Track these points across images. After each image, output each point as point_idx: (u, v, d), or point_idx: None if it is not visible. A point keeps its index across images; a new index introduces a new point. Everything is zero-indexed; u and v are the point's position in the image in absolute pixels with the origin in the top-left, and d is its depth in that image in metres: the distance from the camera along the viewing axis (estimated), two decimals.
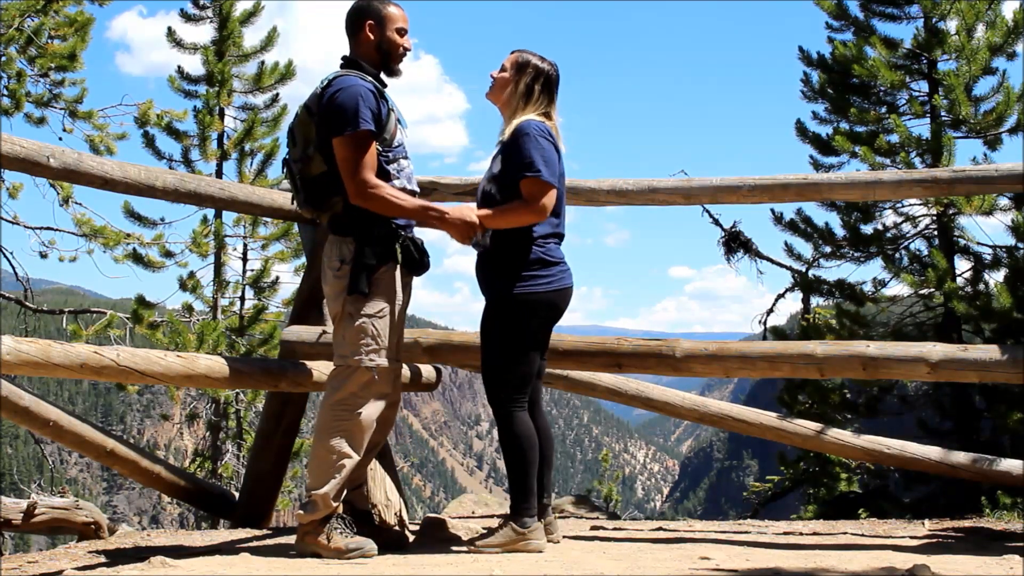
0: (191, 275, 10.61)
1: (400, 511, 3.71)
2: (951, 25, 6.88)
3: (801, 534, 4.08)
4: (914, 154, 6.71)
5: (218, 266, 10.69)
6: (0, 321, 11.23)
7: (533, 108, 3.37)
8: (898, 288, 7.05)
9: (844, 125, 7.22)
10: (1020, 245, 6.22)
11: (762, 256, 7.39)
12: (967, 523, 4.41)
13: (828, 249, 7.31)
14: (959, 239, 6.78)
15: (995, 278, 6.42)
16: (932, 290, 6.50)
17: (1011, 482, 4.89)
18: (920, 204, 6.87)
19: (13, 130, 8.81)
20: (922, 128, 6.85)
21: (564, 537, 3.63)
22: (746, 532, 4.11)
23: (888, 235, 7.09)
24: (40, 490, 5.90)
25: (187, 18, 11.12)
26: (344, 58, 3.40)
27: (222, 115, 10.86)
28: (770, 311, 8.00)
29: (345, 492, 3.28)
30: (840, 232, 7.19)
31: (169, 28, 10.97)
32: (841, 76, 7.19)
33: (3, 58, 9.35)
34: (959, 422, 6.52)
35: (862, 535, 4.02)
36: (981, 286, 6.50)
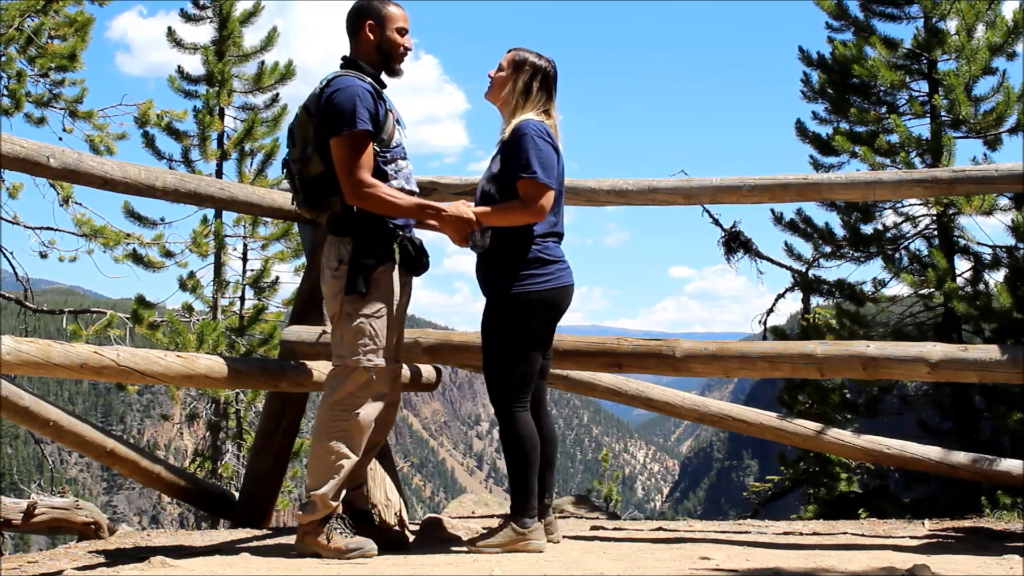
0: (191, 275, 10.61)
1: (400, 511, 3.71)
2: (951, 25, 6.88)
3: (801, 534, 4.08)
4: (914, 154, 6.71)
5: (218, 266, 10.69)
6: (0, 321, 11.23)
7: (532, 106, 3.37)
8: (898, 288, 7.06)
9: (844, 125, 7.22)
10: (1020, 245, 6.22)
11: (762, 256, 7.39)
12: (967, 523, 4.41)
13: (828, 249, 7.31)
14: (959, 239, 6.78)
15: (995, 278, 6.43)
16: (932, 290, 6.50)
17: (1011, 482, 4.90)
18: (920, 204, 6.87)
19: (13, 130, 8.81)
20: (922, 128, 6.86)
21: (564, 537, 3.63)
22: (746, 532, 4.11)
23: (888, 235, 7.09)
24: (40, 490, 5.90)
25: (187, 18, 11.12)
26: (343, 58, 3.40)
27: (222, 115, 10.86)
28: (770, 311, 8.00)
29: (345, 492, 3.28)
30: (840, 232, 7.20)
31: (169, 28, 10.98)
32: (841, 76, 7.20)
33: (3, 58, 9.35)
34: (959, 422, 6.52)
35: (862, 535, 4.02)
36: (981, 286, 6.50)
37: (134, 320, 10.27)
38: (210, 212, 10.37)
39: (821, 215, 7.81)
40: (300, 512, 3.25)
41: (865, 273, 22.58)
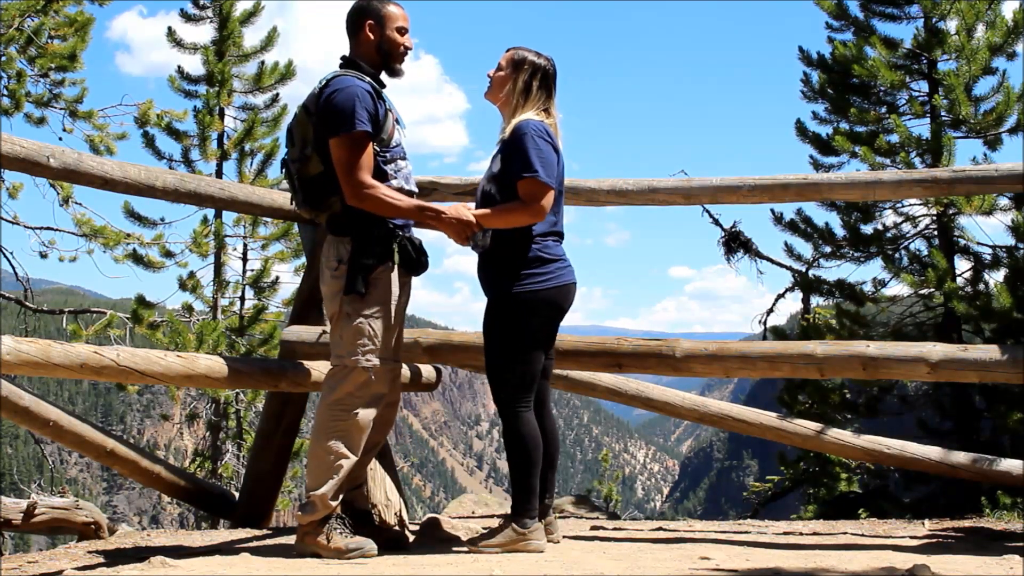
0: (191, 275, 10.61)
1: (400, 511, 3.71)
2: (951, 25, 6.88)
3: (801, 534, 4.08)
4: (914, 154, 6.71)
5: (218, 266, 10.69)
6: (0, 321, 11.23)
7: (532, 105, 3.36)
8: (898, 288, 7.06)
9: (844, 125, 7.22)
10: (1020, 245, 6.22)
11: (762, 256, 7.39)
12: (967, 523, 4.41)
13: (828, 249, 7.31)
14: (959, 239, 6.78)
15: (995, 278, 6.42)
16: (932, 290, 6.50)
17: (1011, 482, 4.90)
18: (920, 204, 6.87)
19: (13, 130, 8.81)
20: (922, 128, 6.86)
21: (564, 537, 3.63)
22: (746, 532, 4.11)
23: (888, 235, 7.09)
24: (40, 490, 5.90)
25: (187, 18, 11.12)
26: (343, 58, 3.40)
27: (222, 115, 10.86)
28: (770, 311, 8.00)
29: (345, 492, 3.28)
30: (840, 232, 7.20)
31: (169, 28, 10.98)
32: (841, 76, 7.19)
33: (3, 58, 9.35)
34: (959, 422, 6.52)
35: (862, 535, 4.02)
36: (981, 286, 6.50)
37: (134, 320, 10.27)
38: (210, 212, 10.37)
39: (821, 215, 7.83)
40: (300, 512, 3.25)
41: (865, 273, 22.59)
